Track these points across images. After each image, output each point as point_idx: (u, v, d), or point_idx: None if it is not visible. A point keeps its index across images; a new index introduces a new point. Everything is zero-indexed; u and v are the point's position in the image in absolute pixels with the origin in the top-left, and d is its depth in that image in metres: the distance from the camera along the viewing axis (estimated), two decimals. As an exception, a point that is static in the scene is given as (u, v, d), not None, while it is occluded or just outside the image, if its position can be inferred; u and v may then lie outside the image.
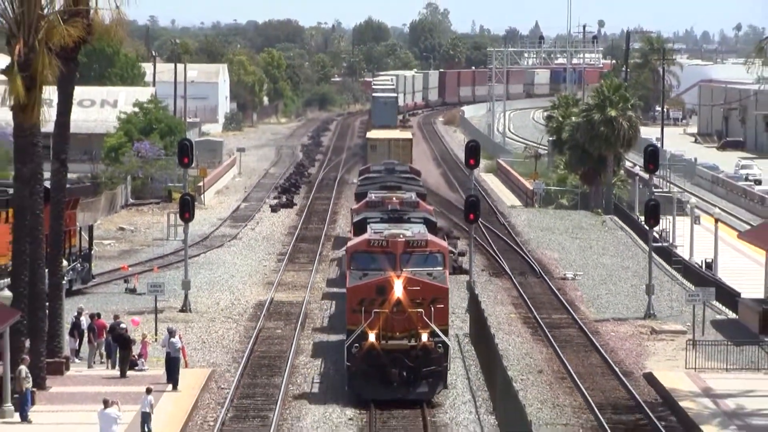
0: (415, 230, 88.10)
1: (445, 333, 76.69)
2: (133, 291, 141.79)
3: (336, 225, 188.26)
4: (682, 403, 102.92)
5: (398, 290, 73.01)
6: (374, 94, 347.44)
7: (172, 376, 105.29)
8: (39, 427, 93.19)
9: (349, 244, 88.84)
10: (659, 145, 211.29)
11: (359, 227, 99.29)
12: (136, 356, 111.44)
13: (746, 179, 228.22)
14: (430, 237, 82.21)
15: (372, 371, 73.22)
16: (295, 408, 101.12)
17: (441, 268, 77.10)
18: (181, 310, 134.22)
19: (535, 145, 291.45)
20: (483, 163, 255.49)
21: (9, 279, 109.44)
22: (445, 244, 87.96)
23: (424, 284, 74.14)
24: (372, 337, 73.16)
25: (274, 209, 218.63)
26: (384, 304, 73.82)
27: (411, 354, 73.48)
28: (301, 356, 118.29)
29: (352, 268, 79.59)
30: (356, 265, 78.71)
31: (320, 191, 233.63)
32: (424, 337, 73.28)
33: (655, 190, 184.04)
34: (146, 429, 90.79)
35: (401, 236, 79.22)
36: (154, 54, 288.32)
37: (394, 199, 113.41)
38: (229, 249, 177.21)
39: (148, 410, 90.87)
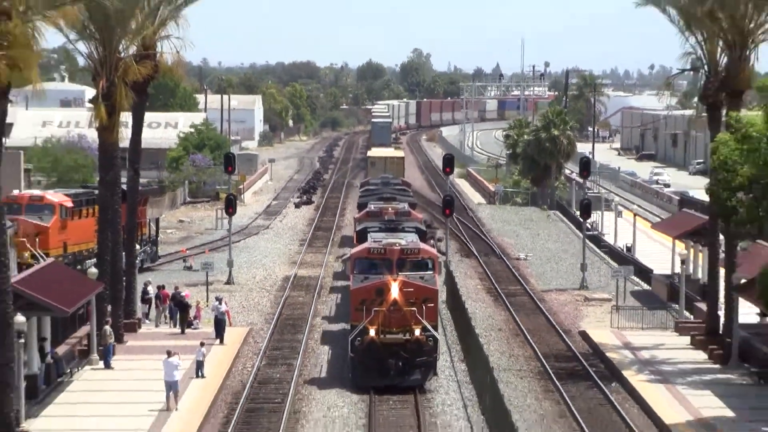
0: (408, 239, 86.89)
1: (435, 328, 75.19)
2: (189, 268, 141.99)
3: (344, 218, 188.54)
4: (608, 354, 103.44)
5: (395, 291, 71.76)
6: (373, 120, 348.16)
7: (220, 333, 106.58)
8: (119, 372, 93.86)
9: (353, 251, 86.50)
10: (591, 157, 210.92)
11: (361, 235, 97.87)
12: (193, 318, 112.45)
13: (657, 183, 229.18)
14: (422, 245, 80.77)
15: (372, 362, 72.13)
16: (312, 356, 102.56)
17: (431, 272, 75.86)
18: (227, 283, 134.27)
19: (496, 156, 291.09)
20: (456, 170, 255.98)
21: (95, 259, 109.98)
22: (434, 251, 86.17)
23: (416, 286, 72.99)
24: (372, 332, 71.95)
25: (297, 206, 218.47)
26: (382, 303, 72.39)
27: (406, 347, 72.33)
28: (318, 318, 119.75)
29: (355, 272, 78.44)
30: (358, 270, 77.40)
31: (332, 192, 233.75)
32: (417, 332, 72.00)
33: (587, 191, 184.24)
34: (200, 374, 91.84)
35: (397, 245, 77.72)
36: (205, 87, 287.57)
37: (390, 209, 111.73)
38: (263, 236, 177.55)
39: (201, 359, 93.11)
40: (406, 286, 73.37)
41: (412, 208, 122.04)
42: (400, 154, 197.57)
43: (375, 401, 67.49)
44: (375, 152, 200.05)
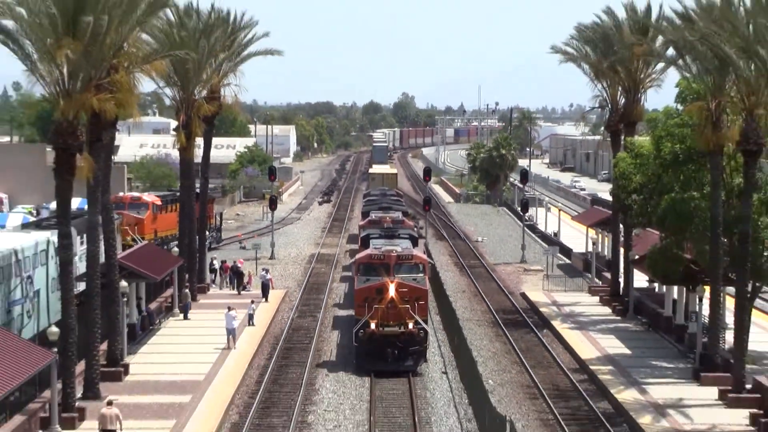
0: (403, 245, 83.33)
1: (425, 322, 73.20)
2: (243, 248, 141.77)
3: (353, 212, 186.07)
4: (541, 309, 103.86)
5: (392, 291, 69.96)
6: (374, 144, 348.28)
7: (265, 294, 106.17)
8: (193, 322, 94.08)
9: (357, 256, 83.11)
10: (528, 169, 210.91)
11: (364, 242, 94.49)
12: (246, 283, 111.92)
13: (575, 187, 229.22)
14: (415, 252, 77.86)
15: (372, 350, 70.25)
16: (331, 311, 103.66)
17: (422, 275, 73.72)
18: (270, 258, 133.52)
19: (461, 169, 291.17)
20: (433, 178, 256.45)
21: (177, 242, 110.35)
22: (425, 257, 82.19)
23: (410, 287, 71.28)
24: (372, 325, 70.12)
25: (320, 204, 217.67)
26: (381, 301, 70.44)
27: (401, 338, 70.55)
28: (334, 283, 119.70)
29: (358, 275, 76.29)
30: (362, 273, 75.16)
31: (344, 194, 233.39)
32: (410, 325, 70.31)
33: (525, 193, 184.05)
34: (251, 323, 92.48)
35: (394, 252, 75.14)
36: (254, 120, 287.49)
37: (387, 218, 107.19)
38: (296, 225, 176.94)
39: (252, 312, 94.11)
40: (401, 287, 71.52)
41: (405, 216, 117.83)
42: (394, 171, 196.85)
43: (375, 381, 66.63)
44: (375, 169, 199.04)
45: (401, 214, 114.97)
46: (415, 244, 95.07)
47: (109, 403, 60.04)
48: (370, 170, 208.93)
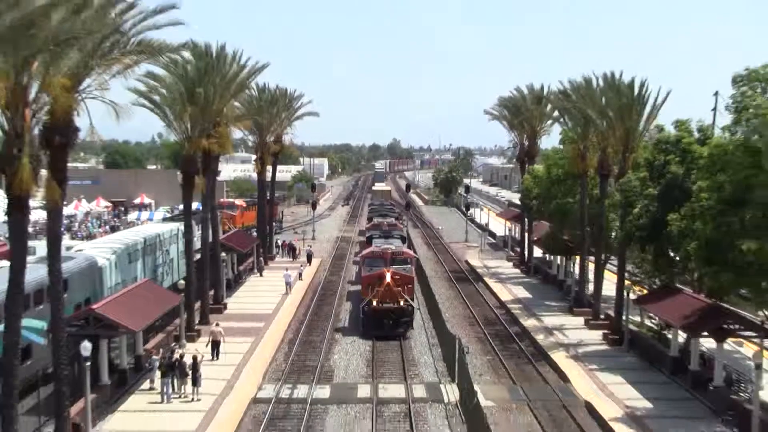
0: (397, 244, 79.49)
1: (412, 300, 70.17)
2: (296, 232, 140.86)
3: (363, 211, 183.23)
4: (477, 270, 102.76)
5: (388, 278, 67.18)
6: (375, 170, 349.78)
7: (310, 260, 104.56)
8: (266, 278, 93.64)
9: (363, 252, 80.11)
10: (469, 184, 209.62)
11: (369, 240, 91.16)
12: (297, 254, 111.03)
13: (498, 196, 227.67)
14: (405, 249, 75.65)
15: (374, 321, 67.27)
16: (350, 270, 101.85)
17: (410, 266, 71.48)
18: (312, 238, 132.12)
19: (428, 185, 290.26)
20: (411, 191, 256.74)
21: (255, 229, 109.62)
22: (412, 252, 79.28)
23: (401, 275, 68.77)
24: (374, 302, 67.07)
25: (343, 206, 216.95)
26: (381, 285, 67.32)
27: (395, 312, 67.44)
28: (351, 255, 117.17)
29: (364, 265, 73.58)
30: (366, 264, 72.55)
31: (358, 201, 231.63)
32: (402, 302, 67.39)
33: (468, 200, 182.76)
34: (300, 278, 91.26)
35: (389, 249, 72.66)
36: (301, 155, 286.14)
37: (385, 222, 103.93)
38: (327, 219, 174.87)
39: (301, 271, 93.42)
40: (395, 275, 68.47)
41: (397, 220, 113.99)
42: (388, 188, 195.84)
43: (376, 343, 63.78)
44: (376, 187, 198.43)
45: (394, 219, 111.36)
46: (404, 242, 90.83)
47: (216, 325, 60.70)
48: (373, 187, 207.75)
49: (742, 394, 47.28)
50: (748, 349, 56.20)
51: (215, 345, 58.61)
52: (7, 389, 33.43)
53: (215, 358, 57.74)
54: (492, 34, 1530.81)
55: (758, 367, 41.76)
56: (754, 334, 49.04)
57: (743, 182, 42.07)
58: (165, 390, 47.99)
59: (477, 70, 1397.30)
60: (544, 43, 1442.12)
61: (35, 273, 42.28)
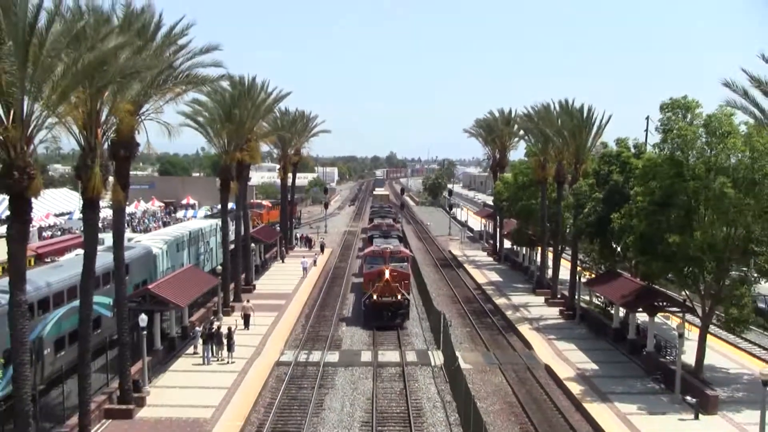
0: (395, 244, 72.12)
1: (408, 294, 64.30)
2: (311, 227, 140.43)
3: (366, 209, 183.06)
4: (458, 258, 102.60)
5: (387, 274, 62.16)
6: (376, 178, 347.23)
7: (322, 250, 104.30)
8: (286, 264, 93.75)
9: (365, 251, 73.72)
10: (452, 188, 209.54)
11: (369, 240, 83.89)
12: (312, 244, 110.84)
13: (475, 198, 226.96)
14: (402, 248, 69.50)
15: (375, 313, 62.52)
16: (355, 258, 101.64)
17: (407, 263, 65.50)
18: (325, 232, 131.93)
19: (419, 189, 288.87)
20: (405, 194, 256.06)
21: (278, 224, 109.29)
22: (409, 252, 72.67)
23: (399, 272, 63.44)
24: (374, 296, 62.17)
25: (350, 206, 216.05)
26: (380, 280, 62.24)
27: (392, 305, 62.53)
28: (357, 245, 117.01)
29: (365, 263, 67.67)
30: (368, 262, 66.40)
31: (362, 202, 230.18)
32: (399, 297, 62.35)
33: (451, 201, 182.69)
34: (315, 264, 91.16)
35: (388, 249, 66.33)
36: (316, 164, 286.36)
37: (384, 223, 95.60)
38: (337, 216, 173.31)
39: (315, 258, 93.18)
40: (393, 272, 63.08)
41: (395, 221, 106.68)
42: (386, 192, 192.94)
43: (376, 332, 60.21)
44: (376, 192, 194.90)
45: (392, 220, 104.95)
46: (401, 241, 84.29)
47: (248, 302, 61.60)
48: (373, 192, 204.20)
49: (668, 358, 48.13)
50: (673, 322, 56.71)
51: (246, 318, 59.35)
52: (82, 352, 34.11)
53: (246, 328, 58.36)
54: (469, 62, 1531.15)
55: (681, 336, 42.78)
56: (678, 310, 49.68)
57: (669, 188, 42.83)
58: (205, 354, 48.60)
59: (457, 95, 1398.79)
60: (512, 72, 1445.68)
61: (103, 259, 42.99)
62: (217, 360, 49.05)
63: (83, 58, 28.92)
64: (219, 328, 50.67)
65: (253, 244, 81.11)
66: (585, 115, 66.73)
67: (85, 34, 30.57)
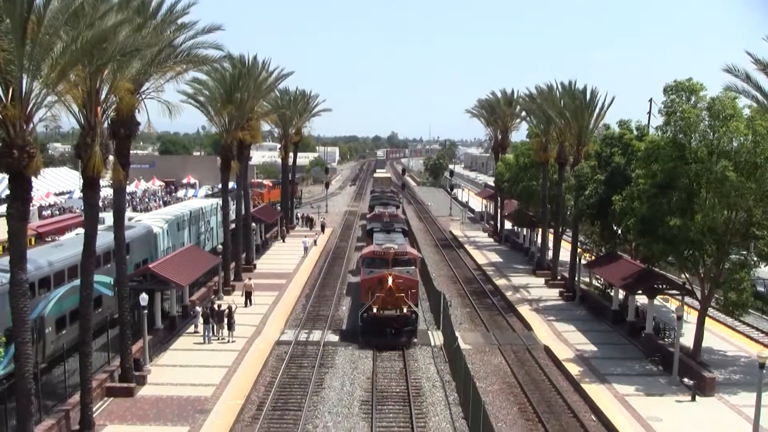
0: (400, 241, 60.62)
1: (416, 306, 53.16)
2: (312, 207, 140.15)
3: (367, 190, 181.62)
4: (459, 239, 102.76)
5: (390, 282, 51.22)
6: (377, 159, 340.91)
7: (323, 229, 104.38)
8: (287, 243, 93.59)
9: (363, 251, 59.24)
10: (453, 169, 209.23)
11: (369, 234, 70.39)
12: (314, 224, 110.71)
13: (476, 179, 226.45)
14: (409, 249, 57.85)
15: (374, 329, 51.41)
16: (356, 238, 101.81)
17: (414, 268, 54.82)
18: (326, 212, 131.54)
19: (419, 169, 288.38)
20: (406, 174, 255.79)
21: (279, 204, 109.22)
22: (416, 252, 60.63)
23: (404, 279, 52.66)
24: (374, 309, 51.21)
25: (351, 185, 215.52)
26: (382, 289, 51.37)
27: (397, 319, 51.57)
28: (359, 225, 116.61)
29: (363, 267, 55.84)
30: (366, 265, 55.04)
31: (363, 181, 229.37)
32: (404, 309, 51.38)
33: (452, 181, 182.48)
34: (315, 243, 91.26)
35: (392, 249, 54.78)
36: (317, 144, 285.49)
37: (386, 213, 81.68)
38: (338, 196, 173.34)
39: (316, 238, 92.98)
40: (397, 279, 51.90)
41: (398, 209, 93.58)
42: (387, 175, 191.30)
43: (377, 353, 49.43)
44: (377, 174, 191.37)
45: (395, 208, 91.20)
46: (406, 235, 70.87)
47: (249, 279, 62.24)
48: (374, 174, 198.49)
49: (666, 340, 48.23)
50: (673, 304, 56.75)
51: (248, 295, 59.83)
52: (83, 331, 34.13)
53: (248, 305, 58.86)
54: (471, 43, 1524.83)
55: (680, 318, 42.93)
56: (677, 293, 49.90)
57: (671, 171, 42.74)
58: (206, 333, 48.74)
59: (459, 76, 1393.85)
60: (516, 52, 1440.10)
61: (104, 238, 42.99)
62: (218, 339, 49.18)
63: (82, 36, 28.70)
64: (219, 307, 50.76)
65: (253, 224, 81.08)
66: (588, 97, 66.57)
67: (83, 11, 30.23)
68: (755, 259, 42.60)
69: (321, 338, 51.56)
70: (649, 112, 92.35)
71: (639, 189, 46.26)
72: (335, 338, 52.09)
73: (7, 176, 28.50)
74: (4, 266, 31.19)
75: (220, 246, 67.70)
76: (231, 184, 73.47)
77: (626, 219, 49.85)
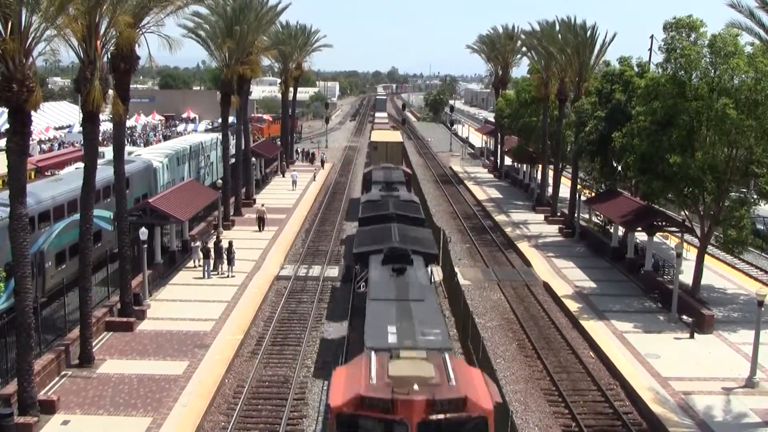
0: (431, 319, 28.09)
1: None
2: (312, 142, 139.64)
3: (367, 127, 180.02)
4: (459, 175, 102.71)
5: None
6: (377, 97, 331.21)
7: (323, 164, 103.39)
8: (286, 178, 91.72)
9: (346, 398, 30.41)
10: (453, 104, 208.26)
11: (354, 276, 45.64)
12: (313, 158, 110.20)
13: (477, 115, 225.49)
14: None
15: None
16: (356, 174, 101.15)
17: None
18: (325, 147, 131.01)
19: (420, 105, 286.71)
20: (406, 110, 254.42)
21: (279, 138, 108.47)
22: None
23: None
24: None
25: (351, 120, 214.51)
26: None
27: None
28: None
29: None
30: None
31: (363, 116, 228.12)
32: None
33: (452, 117, 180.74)
34: (315, 179, 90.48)
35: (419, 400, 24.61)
36: (317, 79, 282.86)
37: (393, 212, 51.81)
38: (339, 131, 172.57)
39: (315, 173, 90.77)
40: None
41: (413, 202, 60.27)
42: (399, 139, 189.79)
43: None
44: (378, 119, 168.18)
45: (411, 202, 57.58)
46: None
47: (262, 206, 65.13)
48: (374, 120, 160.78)
49: (665, 277, 48.34)
50: (672, 242, 56.92)
51: (261, 220, 62.05)
52: (83, 266, 34.19)
53: (261, 230, 61.04)
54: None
55: (679, 255, 42.91)
56: (677, 230, 49.93)
57: (671, 108, 42.46)
58: (206, 268, 48.76)
59: (461, 10, 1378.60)
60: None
61: (104, 173, 42.85)
62: (218, 274, 49.30)
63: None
64: (219, 241, 50.81)
65: (253, 159, 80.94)
66: (588, 33, 65.93)
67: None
68: (755, 196, 42.55)
69: (320, 273, 51.70)
70: (650, 49, 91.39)
71: (639, 126, 45.99)
72: (335, 273, 52.20)
73: (6, 110, 28.31)
74: (4, 200, 31.12)
75: (219, 181, 67.65)
76: (231, 119, 73.07)
77: (626, 156, 49.66)
